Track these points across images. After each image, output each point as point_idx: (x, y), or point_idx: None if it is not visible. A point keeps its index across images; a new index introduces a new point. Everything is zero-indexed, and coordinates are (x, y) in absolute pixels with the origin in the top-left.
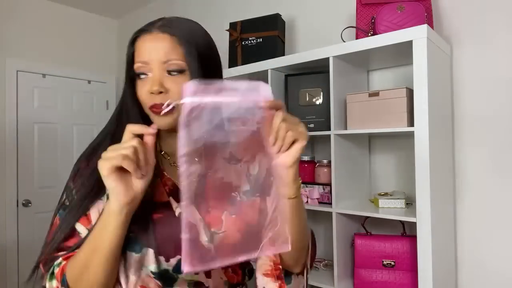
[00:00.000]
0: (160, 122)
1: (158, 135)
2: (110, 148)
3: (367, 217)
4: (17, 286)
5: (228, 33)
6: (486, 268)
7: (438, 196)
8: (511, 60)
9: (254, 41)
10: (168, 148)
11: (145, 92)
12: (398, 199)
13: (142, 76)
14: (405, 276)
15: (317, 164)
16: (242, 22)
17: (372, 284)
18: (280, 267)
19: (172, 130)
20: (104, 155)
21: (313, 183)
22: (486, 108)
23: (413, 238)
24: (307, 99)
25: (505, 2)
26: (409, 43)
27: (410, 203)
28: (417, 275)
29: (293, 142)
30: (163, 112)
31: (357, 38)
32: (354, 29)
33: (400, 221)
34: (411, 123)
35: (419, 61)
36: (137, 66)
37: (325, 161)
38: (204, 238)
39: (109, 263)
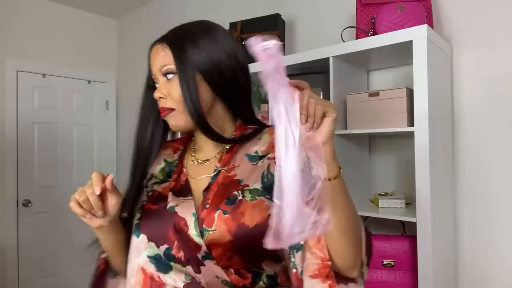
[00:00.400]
0: (169, 123)
1: (193, 135)
2: (80, 188)
3: (367, 217)
4: (17, 286)
5: None
6: (486, 268)
7: (438, 196)
8: (510, 60)
9: None
10: (195, 145)
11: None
12: (398, 199)
13: (156, 85)
14: (405, 276)
15: None
16: (242, 22)
17: (372, 284)
18: (329, 263)
19: (194, 130)
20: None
21: None
22: (486, 108)
23: (413, 238)
24: None
25: (505, 2)
26: (409, 43)
27: (410, 203)
28: (417, 275)
29: (324, 117)
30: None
31: (357, 38)
32: (354, 29)
33: (400, 221)
34: (411, 123)
35: (419, 61)
36: (153, 78)
37: None
38: (193, 232)
39: (114, 258)
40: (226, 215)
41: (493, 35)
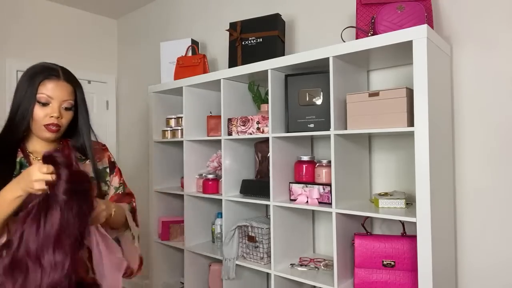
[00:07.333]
0: (48, 135)
1: (27, 140)
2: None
3: (367, 217)
4: None
5: (228, 33)
6: (486, 268)
7: (438, 196)
8: (511, 60)
9: (254, 41)
10: (33, 149)
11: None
12: (398, 199)
13: (47, 103)
14: (405, 276)
15: (317, 164)
16: (242, 22)
17: (372, 284)
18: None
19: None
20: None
21: (313, 183)
22: (486, 108)
23: (413, 238)
24: (307, 99)
25: (505, 2)
26: (409, 43)
27: (410, 203)
28: (417, 275)
29: None
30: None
31: (357, 38)
32: (354, 29)
33: (400, 221)
34: (411, 123)
35: (419, 61)
36: (46, 97)
37: (325, 161)
38: None
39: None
40: None
41: (493, 35)
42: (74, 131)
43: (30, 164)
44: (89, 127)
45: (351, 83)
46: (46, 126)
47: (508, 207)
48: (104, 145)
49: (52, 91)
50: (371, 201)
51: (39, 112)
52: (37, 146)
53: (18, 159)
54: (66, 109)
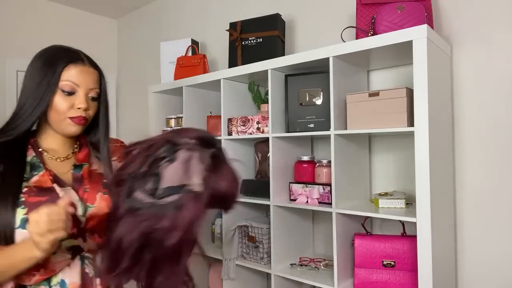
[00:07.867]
0: (74, 129)
1: (39, 135)
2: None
3: (367, 217)
4: None
5: (228, 33)
6: (486, 268)
7: (438, 196)
8: (511, 60)
9: (254, 41)
10: (48, 146)
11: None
12: (398, 199)
13: (71, 93)
14: (405, 276)
15: (317, 164)
16: (242, 22)
17: (372, 284)
18: None
19: (61, 134)
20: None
21: (313, 183)
22: (486, 108)
23: (413, 238)
24: (307, 99)
25: (505, 2)
26: (409, 43)
27: (410, 203)
28: (417, 275)
29: None
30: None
31: (357, 38)
32: (354, 29)
33: (400, 221)
34: (411, 123)
35: (419, 61)
36: (71, 85)
37: (325, 161)
38: (79, 212)
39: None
40: (106, 195)
41: (493, 35)
42: (91, 125)
43: (44, 164)
44: (108, 121)
45: (351, 83)
46: (72, 118)
47: (509, 207)
48: (123, 142)
49: (77, 77)
50: (371, 201)
51: (61, 102)
52: (53, 143)
53: (28, 159)
54: (93, 99)
